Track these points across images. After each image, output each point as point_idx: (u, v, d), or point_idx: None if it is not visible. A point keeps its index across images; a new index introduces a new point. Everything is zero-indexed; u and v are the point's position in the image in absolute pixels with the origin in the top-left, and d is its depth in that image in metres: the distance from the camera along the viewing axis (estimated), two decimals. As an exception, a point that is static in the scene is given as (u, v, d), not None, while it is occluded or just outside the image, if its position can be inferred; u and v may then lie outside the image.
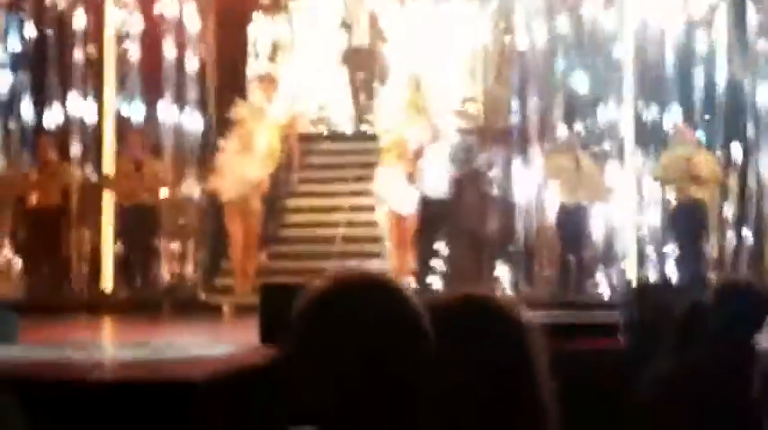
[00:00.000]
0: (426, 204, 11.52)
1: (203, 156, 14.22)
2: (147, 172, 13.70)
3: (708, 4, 13.78)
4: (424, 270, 11.69)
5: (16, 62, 14.55)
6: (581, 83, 13.97)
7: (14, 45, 14.56)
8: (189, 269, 14.20)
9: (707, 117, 13.68)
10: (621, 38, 13.73)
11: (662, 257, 13.52)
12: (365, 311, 1.79)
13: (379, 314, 1.80)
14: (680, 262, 13.21)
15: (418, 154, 11.96)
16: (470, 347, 1.94)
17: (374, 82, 15.01)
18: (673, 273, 13.30)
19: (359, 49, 15.05)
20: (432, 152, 11.51)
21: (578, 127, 13.87)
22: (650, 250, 13.58)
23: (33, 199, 13.83)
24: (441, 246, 11.80)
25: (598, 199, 13.35)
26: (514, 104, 14.20)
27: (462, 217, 11.61)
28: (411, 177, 12.03)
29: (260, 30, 15.58)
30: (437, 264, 11.82)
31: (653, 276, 13.38)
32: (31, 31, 14.59)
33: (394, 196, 12.53)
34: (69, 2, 14.54)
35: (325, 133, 15.21)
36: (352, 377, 1.77)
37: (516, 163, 13.90)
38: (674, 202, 13.30)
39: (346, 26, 15.05)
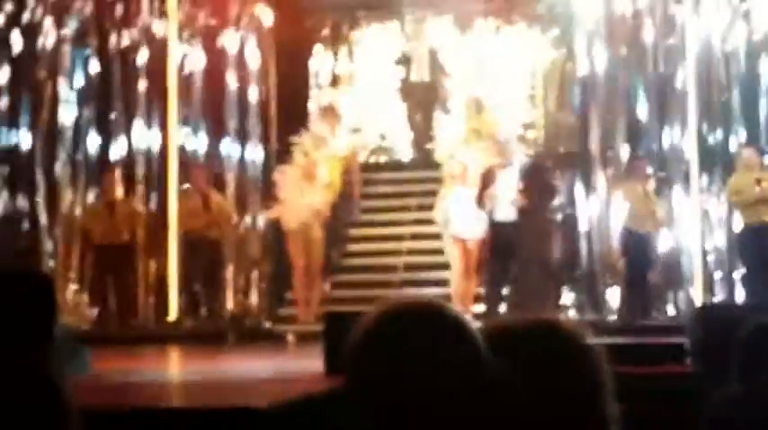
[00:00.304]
0: (497, 229, 11.44)
1: (266, 187, 14.30)
2: (215, 207, 13.82)
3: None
4: (493, 296, 11.63)
5: (81, 97, 14.76)
6: (643, 107, 13.87)
7: (80, 80, 14.77)
8: (253, 299, 14.28)
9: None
10: (684, 61, 13.61)
11: (729, 281, 13.35)
12: (416, 340, 1.77)
13: (430, 342, 1.77)
14: (748, 285, 13.02)
15: (486, 179, 11.91)
16: (537, 372, 1.92)
17: (435, 111, 15.00)
18: (740, 297, 13.12)
19: (419, 83, 15.01)
20: (501, 177, 11.43)
21: (642, 152, 13.76)
22: (717, 274, 13.42)
23: (100, 235, 13.96)
24: (510, 271, 11.73)
25: (659, 227, 13.22)
26: (576, 130, 14.13)
27: (531, 242, 11.53)
28: (478, 202, 11.98)
29: (321, 61, 15.70)
30: (506, 289, 11.76)
31: (720, 300, 13.22)
32: (95, 66, 14.80)
33: (459, 222, 12.50)
34: (133, 37, 14.75)
35: (386, 162, 15.22)
36: (406, 407, 1.75)
37: (579, 188, 13.83)
38: (742, 225, 13.09)
39: (407, 60, 15.03)
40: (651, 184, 13.26)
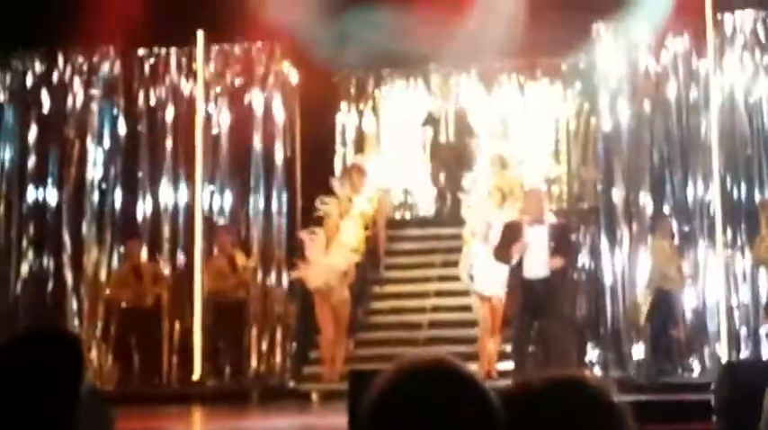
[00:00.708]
0: (527, 287, 11.39)
1: (291, 245, 14.33)
2: (240, 269, 13.87)
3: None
4: (521, 353, 11.56)
5: (109, 156, 14.88)
6: (667, 161, 13.86)
7: (107, 139, 14.90)
8: (278, 357, 14.25)
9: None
10: (707, 115, 13.62)
11: (755, 337, 13.25)
12: (430, 399, 1.79)
13: (444, 401, 1.79)
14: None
15: (510, 232, 11.88)
16: (564, 429, 1.93)
17: (461, 172, 14.98)
18: (767, 354, 13.01)
19: (446, 144, 14.98)
20: (532, 233, 11.40)
21: (666, 206, 13.73)
22: (743, 330, 13.33)
23: (126, 300, 14.03)
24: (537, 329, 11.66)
25: (684, 284, 13.15)
26: (600, 185, 14.12)
27: (559, 299, 11.47)
28: (498, 256, 11.94)
29: (346, 119, 15.80)
30: (533, 347, 11.70)
31: (746, 357, 13.11)
32: (123, 125, 14.93)
33: (483, 280, 12.47)
34: (161, 96, 14.89)
35: (411, 218, 15.22)
36: None
37: (603, 243, 13.79)
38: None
39: (433, 121, 15.04)
40: (675, 240, 13.22)
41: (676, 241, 13.27)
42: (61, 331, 3.13)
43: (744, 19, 13.79)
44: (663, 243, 13.13)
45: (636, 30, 13.73)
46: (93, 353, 14.09)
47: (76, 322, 14.43)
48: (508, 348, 12.50)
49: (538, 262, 11.39)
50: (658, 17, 13.58)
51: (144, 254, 14.39)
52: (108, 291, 14.35)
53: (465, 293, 13.19)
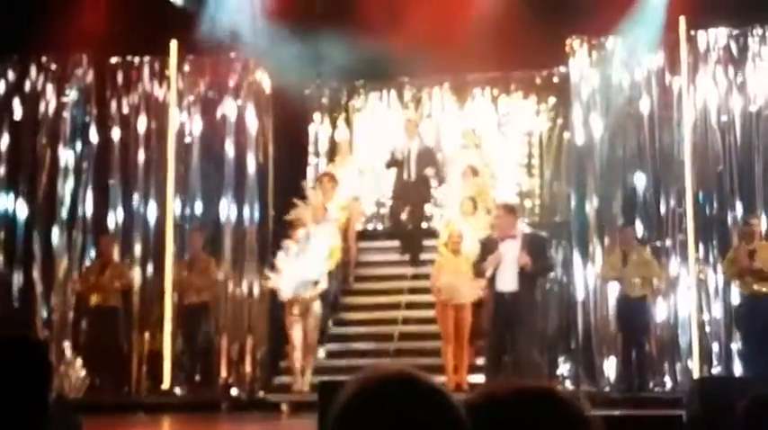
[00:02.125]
0: (498, 299, 11.44)
1: (263, 254, 14.30)
2: (198, 269, 13.81)
3: (766, 97, 13.74)
4: (493, 366, 11.57)
5: (80, 164, 14.80)
6: (640, 177, 13.92)
7: (79, 147, 14.82)
8: (247, 367, 14.20)
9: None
10: (680, 130, 13.69)
11: (727, 352, 13.30)
12: (392, 410, 1.77)
13: (407, 412, 1.77)
14: (745, 357, 12.98)
15: (487, 247, 11.91)
16: None
17: (424, 207, 14.94)
18: (738, 369, 13.06)
19: (409, 182, 14.74)
20: (504, 247, 11.45)
21: (638, 221, 13.77)
22: (715, 345, 13.37)
23: (94, 299, 13.94)
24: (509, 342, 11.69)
25: (649, 292, 13.17)
26: (573, 199, 14.16)
27: (529, 312, 11.52)
28: (476, 270, 11.96)
29: (320, 129, 15.79)
30: (505, 359, 11.70)
31: (717, 372, 13.15)
32: (95, 133, 14.87)
33: (456, 289, 12.45)
34: (133, 104, 14.84)
35: (382, 230, 15.20)
36: None
37: (576, 256, 13.83)
38: (739, 297, 13.08)
39: (397, 162, 14.76)
40: (643, 251, 13.22)
41: (645, 251, 13.26)
42: (28, 338, 3.11)
43: (717, 36, 13.87)
44: (619, 253, 13.19)
45: (630, 44, 13.76)
46: (63, 362, 13.97)
47: (46, 332, 14.34)
48: (479, 361, 12.52)
49: (509, 275, 11.44)
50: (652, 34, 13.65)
51: (116, 252, 14.28)
52: (77, 286, 14.24)
53: (429, 304, 13.24)
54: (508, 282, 11.46)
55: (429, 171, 14.73)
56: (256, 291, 14.30)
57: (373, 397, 1.79)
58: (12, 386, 2.82)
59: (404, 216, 14.81)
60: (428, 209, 14.93)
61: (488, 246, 11.69)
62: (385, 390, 1.80)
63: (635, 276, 13.01)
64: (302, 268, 12.95)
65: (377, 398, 1.79)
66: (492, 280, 11.59)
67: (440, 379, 11.89)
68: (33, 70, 14.94)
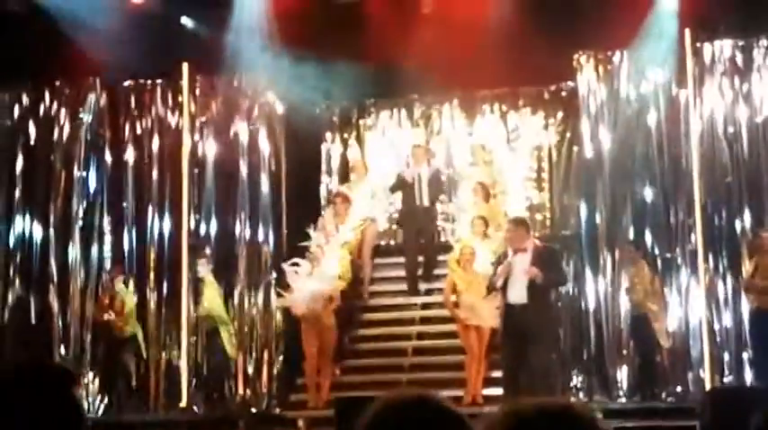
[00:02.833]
0: (508, 311, 11.53)
1: (277, 271, 14.42)
2: (205, 286, 13.96)
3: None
4: (509, 379, 11.65)
5: (95, 186, 14.95)
6: (648, 189, 14.01)
7: (93, 170, 14.97)
8: (264, 384, 14.30)
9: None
10: (688, 143, 13.77)
11: (739, 363, 13.36)
12: None
13: None
14: (757, 367, 13.03)
15: (500, 262, 12.03)
16: None
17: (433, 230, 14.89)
18: (750, 379, 13.12)
19: (419, 207, 14.60)
20: (515, 260, 11.58)
21: (648, 233, 13.86)
22: (726, 356, 13.43)
23: (109, 323, 14.05)
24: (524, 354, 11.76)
25: (657, 306, 13.25)
26: (582, 212, 14.25)
27: (540, 324, 11.61)
28: (489, 287, 12.08)
29: (332, 148, 15.91)
30: (521, 372, 11.77)
31: (729, 381, 13.22)
32: (109, 156, 15.01)
33: (469, 309, 12.53)
34: (146, 127, 14.98)
35: (396, 245, 15.27)
36: None
37: (586, 269, 13.92)
38: (752, 307, 13.12)
39: (404, 185, 14.66)
40: (644, 265, 13.29)
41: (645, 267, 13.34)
42: (56, 367, 3.09)
43: (722, 48, 13.97)
44: (629, 269, 13.28)
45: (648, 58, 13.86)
46: (81, 383, 14.09)
47: (63, 350, 14.48)
48: (493, 374, 12.60)
49: (519, 288, 11.54)
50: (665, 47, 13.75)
51: (120, 284, 14.35)
52: (93, 318, 14.36)
53: (449, 320, 13.30)
54: (518, 294, 11.55)
55: (442, 198, 14.78)
56: (273, 307, 14.42)
57: (395, 421, 1.87)
58: (39, 418, 2.81)
59: (413, 242, 14.70)
60: (438, 230, 14.94)
61: (500, 260, 11.83)
62: (406, 415, 1.88)
63: (643, 291, 13.10)
64: (314, 284, 13.06)
65: (398, 423, 1.87)
66: (503, 292, 11.70)
67: (456, 393, 12.00)
68: (47, 95, 15.12)
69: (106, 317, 14.01)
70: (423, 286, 14.49)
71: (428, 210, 14.58)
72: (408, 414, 1.87)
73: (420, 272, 14.52)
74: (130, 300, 14.21)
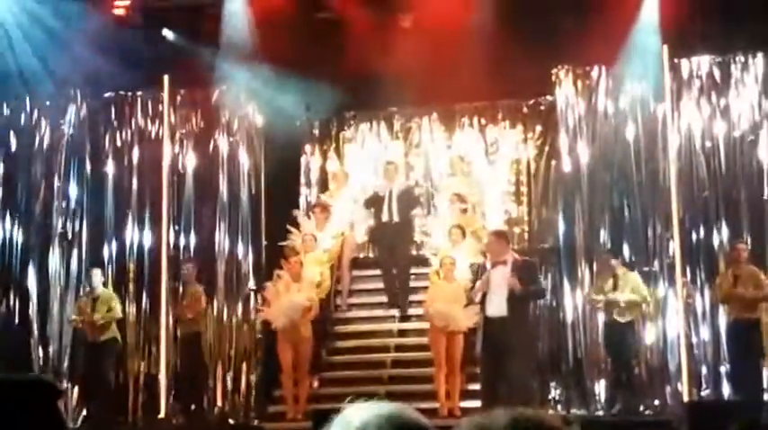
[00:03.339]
0: (488, 324, 11.59)
1: (256, 283, 14.45)
2: (188, 295, 13.92)
3: (750, 123, 13.94)
4: (488, 391, 11.69)
5: (75, 197, 14.95)
6: (626, 202, 14.09)
7: (74, 181, 14.97)
8: (242, 396, 14.31)
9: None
10: (666, 157, 13.87)
11: (717, 376, 13.44)
12: None
13: None
14: (734, 380, 13.12)
15: (477, 274, 12.09)
16: None
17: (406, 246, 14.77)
18: (727, 392, 13.20)
19: (389, 223, 14.50)
20: (494, 273, 11.65)
21: (626, 246, 13.94)
22: (704, 369, 13.51)
23: (89, 331, 14.01)
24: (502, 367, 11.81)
25: (628, 315, 13.32)
26: (561, 225, 14.33)
27: (519, 337, 11.67)
28: (467, 297, 12.14)
29: (311, 160, 15.94)
30: (499, 385, 11.82)
31: (707, 394, 13.30)
32: (89, 166, 15.02)
33: (451, 317, 12.56)
34: (126, 138, 15.00)
35: (374, 258, 15.27)
36: None
37: (564, 282, 14.00)
38: (728, 320, 13.22)
39: (377, 201, 14.61)
40: (631, 275, 13.35)
41: (625, 274, 13.39)
42: (39, 380, 3.10)
43: (700, 63, 14.09)
44: (602, 278, 13.35)
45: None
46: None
47: (41, 358, 14.47)
48: (471, 386, 12.64)
49: (499, 300, 11.60)
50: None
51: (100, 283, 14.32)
52: (72, 321, 14.31)
53: (427, 332, 13.36)
54: (497, 307, 11.62)
55: (416, 211, 14.73)
56: (251, 319, 14.45)
57: None
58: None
59: (386, 257, 14.60)
60: (412, 247, 14.94)
61: (479, 273, 11.88)
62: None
63: (623, 302, 13.15)
64: (291, 296, 13.08)
65: None
66: (482, 305, 11.75)
67: (432, 405, 12.04)
68: (28, 105, 15.12)
69: (82, 319, 13.96)
70: (394, 325, 14.41)
71: (398, 227, 14.48)
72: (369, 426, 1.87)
73: (398, 284, 14.51)
74: (116, 303, 14.20)
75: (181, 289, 14.29)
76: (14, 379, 2.99)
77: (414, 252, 14.83)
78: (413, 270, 14.48)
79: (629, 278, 13.30)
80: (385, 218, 14.48)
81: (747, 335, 12.84)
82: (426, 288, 13.47)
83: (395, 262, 14.52)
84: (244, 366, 14.42)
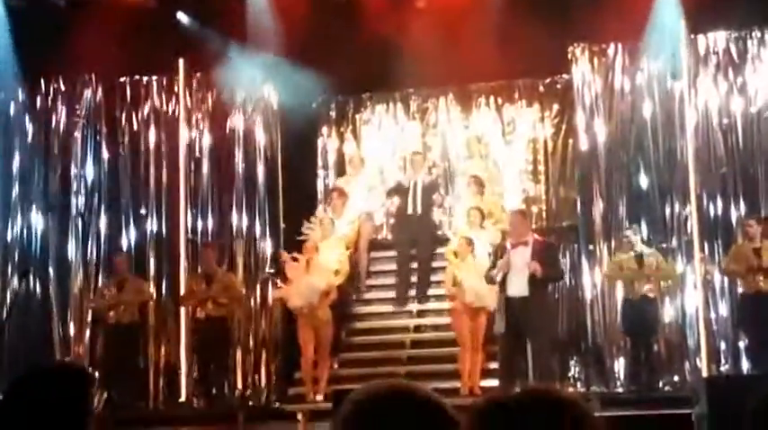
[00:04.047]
0: (509, 304, 11.59)
1: (275, 266, 14.48)
2: (217, 286, 13.95)
3: (766, 99, 13.88)
4: (507, 371, 11.71)
5: (93, 180, 14.99)
6: (644, 180, 14.07)
7: (91, 165, 15.02)
8: (263, 378, 14.36)
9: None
10: (683, 134, 13.84)
11: (735, 350, 13.44)
12: (390, 425, 1.83)
13: (404, 427, 1.83)
14: (751, 354, 13.12)
15: (497, 255, 12.09)
16: None
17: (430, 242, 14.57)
18: (745, 366, 13.20)
19: (414, 216, 14.38)
20: (514, 255, 11.65)
21: (644, 224, 13.92)
22: (722, 343, 13.52)
23: (111, 316, 14.07)
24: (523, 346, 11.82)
25: (668, 288, 13.33)
26: (579, 203, 14.33)
27: (540, 316, 11.68)
28: (487, 279, 12.14)
29: (328, 143, 15.94)
30: (519, 364, 11.84)
31: (726, 369, 13.30)
32: (105, 150, 15.06)
33: (481, 294, 12.53)
34: (143, 121, 15.03)
35: (392, 239, 15.27)
36: None
37: (583, 260, 14.00)
38: (742, 294, 13.23)
39: (402, 191, 14.53)
40: (645, 251, 13.34)
41: (646, 251, 13.38)
42: (73, 368, 3.14)
43: (717, 39, 14.03)
44: (622, 256, 13.34)
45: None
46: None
47: (60, 340, 14.55)
48: (491, 365, 12.67)
49: (520, 281, 11.61)
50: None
51: (129, 273, 14.41)
52: (93, 303, 14.37)
53: (446, 312, 13.39)
54: (519, 287, 11.63)
55: (436, 198, 14.61)
56: (269, 302, 14.49)
57: (370, 413, 1.85)
58: (55, 413, 2.86)
59: (405, 250, 14.53)
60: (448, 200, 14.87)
61: (499, 253, 11.89)
62: (380, 405, 1.86)
63: (641, 277, 13.16)
64: (311, 278, 13.10)
65: (373, 415, 1.85)
66: (503, 285, 11.76)
67: (453, 384, 12.07)
68: (43, 90, 15.16)
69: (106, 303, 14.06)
70: (413, 306, 14.38)
71: (421, 219, 14.40)
72: (385, 405, 1.86)
73: (413, 279, 14.47)
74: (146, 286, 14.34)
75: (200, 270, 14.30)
76: (50, 366, 3.03)
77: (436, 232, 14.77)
78: (434, 250, 14.45)
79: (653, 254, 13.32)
80: (410, 210, 14.39)
81: (762, 308, 12.85)
82: (444, 268, 13.45)
83: (415, 255, 14.43)
84: (264, 349, 14.45)
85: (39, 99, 15.15)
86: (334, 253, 13.61)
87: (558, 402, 1.96)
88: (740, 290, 13.22)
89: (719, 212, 13.78)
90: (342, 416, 1.85)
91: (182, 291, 14.29)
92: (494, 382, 12.24)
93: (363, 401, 1.87)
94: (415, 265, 14.44)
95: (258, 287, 14.62)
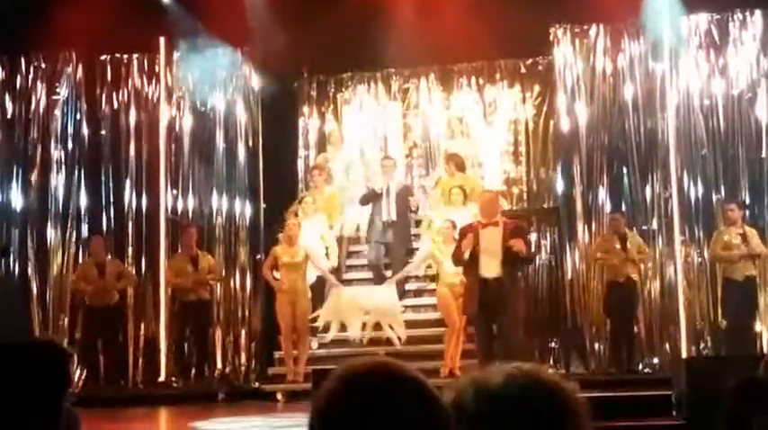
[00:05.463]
0: (482, 285, 11.58)
1: (255, 246, 14.47)
2: (202, 268, 13.94)
3: (748, 81, 13.91)
4: (485, 351, 11.72)
5: (72, 159, 14.91)
6: (625, 161, 14.08)
7: (70, 143, 14.93)
8: (242, 358, 14.36)
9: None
10: (664, 116, 13.86)
11: (715, 333, 13.49)
12: (371, 403, 1.81)
13: (389, 404, 1.81)
14: (731, 337, 13.18)
15: (464, 233, 12.07)
16: (518, 425, 1.90)
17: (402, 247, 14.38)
18: (724, 348, 13.27)
19: (387, 222, 14.17)
20: (486, 235, 11.61)
21: (624, 206, 13.95)
22: (701, 325, 13.57)
23: (90, 296, 14.03)
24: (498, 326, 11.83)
25: (636, 275, 13.38)
26: (559, 185, 14.34)
27: (513, 297, 11.67)
28: (455, 258, 12.09)
29: (309, 122, 15.89)
30: (496, 344, 11.85)
31: (705, 351, 13.35)
32: (86, 128, 14.98)
33: (454, 275, 12.55)
34: (123, 100, 14.95)
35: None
36: None
37: (564, 242, 14.02)
38: (723, 278, 13.29)
39: (375, 196, 14.22)
40: (631, 235, 13.40)
41: (633, 236, 13.44)
42: (50, 344, 3.15)
43: (698, 21, 14.03)
44: (610, 238, 13.38)
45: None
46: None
47: (40, 323, 14.49)
48: (470, 346, 12.67)
49: (492, 261, 11.57)
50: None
51: (108, 255, 14.38)
52: (71, 283, 14.32)
53: (425, 292, 13.55)
54: (492, 268, 11.59)
55: (411, 202, 14.46)
56: (249, 282, 14.48)
57: (353, 390, 1.82)
58: (32, 390, 2.87)
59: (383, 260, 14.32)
60: (413, 202, 14.81)
61: (464, 233, 11.84)
62: (364, 383, 1.83)
63: (626, 261, 13.22)
64: (292, 257, 13.15)
65: (356, 391, 1.82)
66: (475, 266, 11.71)
67: (433, 364, 12.07)
68: (23, 68, 15.06)
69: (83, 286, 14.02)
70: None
71: (394, 225, 14.19)
72: (367, 382, 1.84)
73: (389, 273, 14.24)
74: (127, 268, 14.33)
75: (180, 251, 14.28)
76: (27, 342, 3.03)
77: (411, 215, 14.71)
78: (414, 231, 14.45)
79: (632, 237, 13.37)
80: (384, 217, 14.20)
81: (742, 291, 12.92)
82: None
83: (389, 263, 14.25)
84: (243, 329, 14.45)
85: (18, 77, 15.05)
86: (314, 230, 13.66)
87: (542, 382, 1.95)
88: (724, 273, 13.25)
89: (700, 195, 13.81)
90: (326, 391, 1.83)
91: (161, 271, 14.24)
92: (473, 362, 12.24)
93: (350, 376, 1.85)
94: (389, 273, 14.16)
95: (238, 266, 14.59)
